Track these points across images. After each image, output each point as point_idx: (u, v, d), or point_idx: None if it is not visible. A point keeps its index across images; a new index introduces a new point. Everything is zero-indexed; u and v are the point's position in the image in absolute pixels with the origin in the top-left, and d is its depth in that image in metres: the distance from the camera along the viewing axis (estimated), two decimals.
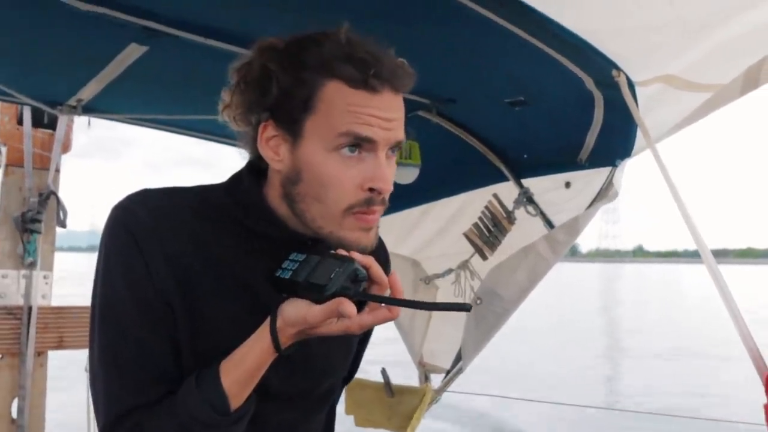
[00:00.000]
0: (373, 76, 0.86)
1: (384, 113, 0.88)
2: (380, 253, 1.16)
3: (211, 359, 0.92)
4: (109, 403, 0.91)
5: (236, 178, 1.00)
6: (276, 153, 0.92)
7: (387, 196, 0.91)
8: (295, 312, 0.87)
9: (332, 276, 0.86)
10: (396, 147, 0.92)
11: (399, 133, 0.91)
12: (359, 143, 0.88)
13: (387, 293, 0.89)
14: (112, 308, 0.91)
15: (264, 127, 0.92)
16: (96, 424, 0.95)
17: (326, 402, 1.13)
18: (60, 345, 2.82)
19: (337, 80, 0.87)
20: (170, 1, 1.59)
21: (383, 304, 0.88)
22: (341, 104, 0.87)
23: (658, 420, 6.83)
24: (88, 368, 0.97)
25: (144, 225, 0.91)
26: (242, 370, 0.90)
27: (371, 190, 0.89)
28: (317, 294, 0.86)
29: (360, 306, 0.88)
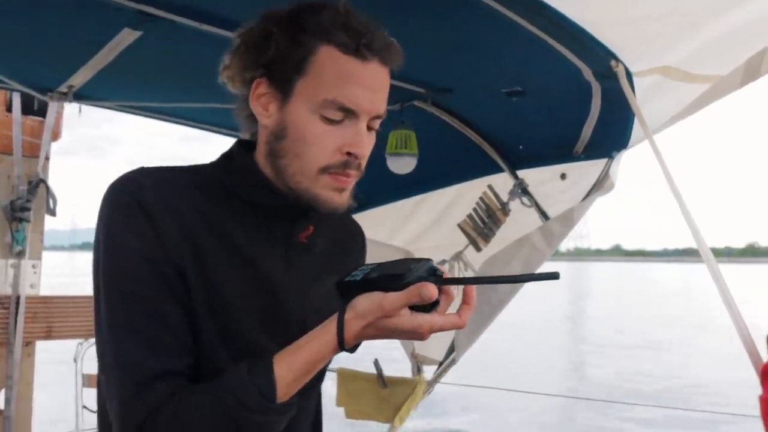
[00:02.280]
0: (364, 46, 0.92)
1: (370, 83, 0.93)
2: (357, 238, 1.21)
3: (226, 329, 0.93)
4: (126, 373, 0.87)
5: (226, 154, 1.03)
6: (265, 109, 0.96)
7: (363, 163, 0.97)
8: (369, 301, 0.88)
9: (411, 267, 0.87)
10: (376, 119, 0.97)
11: (381, 107, 0.96)
12: (342, 111, 0.93)
13: (452, 303, 0.91)
14: (125, 276, 0.89)
15: (257, 84, 0.96)
16: (108, 407, 0.90)
17: (322, 378, 1.14)
18: (48, 335, 2.80)
19: (330, 45, 0.92)
20: None
21: (453, 313, 0.89)
22: (332, 69, 0.92)
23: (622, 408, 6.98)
24: (97, 354, 0.93)
25: (151, 194, 0.91)
26: (298, 359, 0.90)
27: (348, 154, 0.94)
28: (396, 282, 0.86)
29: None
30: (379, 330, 0.88)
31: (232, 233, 0.96)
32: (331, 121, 0.93)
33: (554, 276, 0.85)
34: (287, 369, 0.89)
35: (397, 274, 0.87)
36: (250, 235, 0.98)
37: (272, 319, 0.98)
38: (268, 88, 0.95)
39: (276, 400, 0.88)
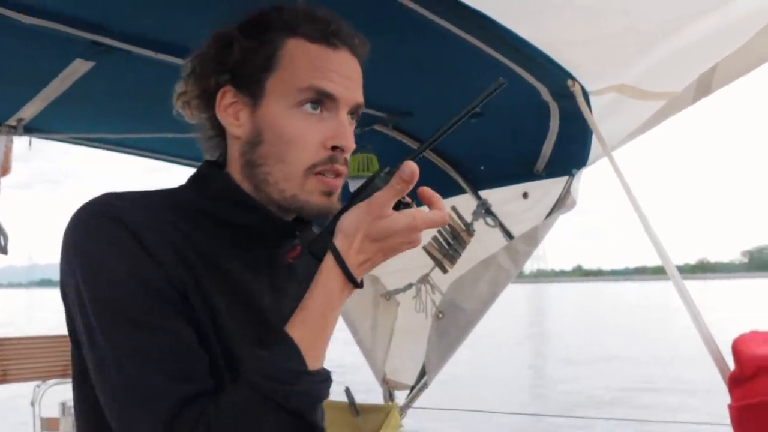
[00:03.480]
0: (332, 34, 0.89)
1: (344, 70, 0.89)
2: None
3: (230, 356, 0.84)
4: (148, 408, 0.77)
5: (196, 176, 0.96)
6: (236, 118, 0.90)
7: (348, 157, 0.91)
8: (354, 213, 0.83)
9: (372, 175, 0.86)
10: (355, 112, 0.92)
11: (358, 95, 0.91)
12: (321, 99, 0.88)
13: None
14: (121, 302, 0.79)
15: (223, 94, 0.90)
16: None
17: None
18: (4, 378, 2.68)
19: (298, 37, 0.89)
20: (120, 15, 1.54)
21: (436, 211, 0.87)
22: (303, 59, 0.88)
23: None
24: (74, 398, 0.85)
25: (135, 216, 0.83)
26: (312, 316, 0.83)
27: (334, 148, 0.88)
28: (369, 188, 0.84)
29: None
30: (377, 240, 0.83)
31: (218, 257, 0.88)
32: (311, 113, 0.87)
33: (501, 83, 0.88)
34: (302, 331, 0.82)
35: (368, 183, 0.85)
36: (236, 259, 0.90)
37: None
38: (236, 96, 0.90)
39: (306, 364, 0.81)
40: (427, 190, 0.86)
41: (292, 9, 0.90)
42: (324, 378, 0.84)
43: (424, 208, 0.88)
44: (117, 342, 0.79)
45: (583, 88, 1.82)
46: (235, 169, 0.92)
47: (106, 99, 2.10)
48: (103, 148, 2.57)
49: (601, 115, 1.91)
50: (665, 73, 1.71)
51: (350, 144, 0.89)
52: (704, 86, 1.72)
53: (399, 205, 0.85)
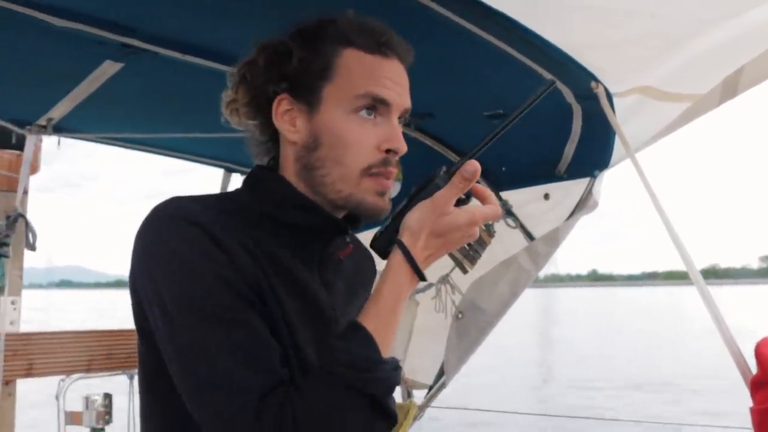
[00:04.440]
0: (384, 44, 0.95)
1: (396, 77, 0.96)
2: (372, 263, 1.19)
3: (298, 349, 0.89)
4: (232, 394, 0.81)
5: (250, 181, 1.00)
6: (292, 125, 0.96)
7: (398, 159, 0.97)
8: (419, 211, 0.90)
9: (432, 174, 0.92)
10: (404, 116, 0.98)
11: (408, 101, 0.98)
12: (375, 105, 0.94)
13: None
14: (205, 300, 0.84)
15: (280, 101, 0.96)
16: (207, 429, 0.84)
17: None
18: (29, 373, 2.73)
19: (353, 48, 0.95)
20: (149, 17, 1.57)
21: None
22: (358, 68, 0.94)
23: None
24: (144, 397, 0.91)
25: (208, 217, 0.88)
26: (382, 310, 0.88)
27: (387, 151, 0.94)
28: (431, 187, 0.90)
29: None
30: (441, 236, 0.89)
31: (281, 257, 0.93)
32: (366, 119, 0.93)
33: (551, 83, 0.97)
34: (375, 319, 0.88)
35: (428, 182, 0.91)
36: (295, 257, 0.95)
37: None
38: (291, 104, 0.95)
39: (380, 353, 0.86)
40: (480, 187, 0.94)
41: (346, 20, 0.96)
42: (396, 365, 0.89)
43: (475, 202, 0.95)
44: (201, 337, 0.83)
45: (606, 90, 1.81)
46: (289, 172, 0.98)
47: (134, 100, 2.14)
48: (131, 148, 2.61)
49: (625, 117, 1.90)
50: (690, 75, 1.70)
51: (403, 147, 0.95)
52: (730, 88, 1.71)
53: (458, 202, 0.91)
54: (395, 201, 2.59)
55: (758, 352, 1.41)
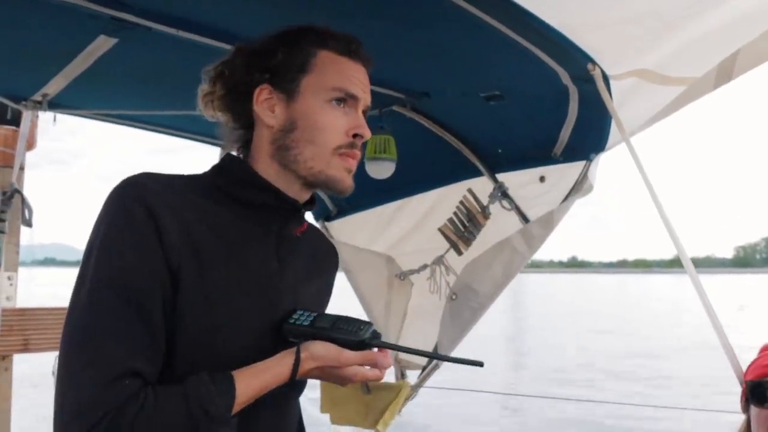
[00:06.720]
0: (353, 51, 1.13)
1: (362, 78, 1.14)
2: (332, 258, 1.31)
3: (217, 326, 1.00)
4: (97, 369, 0.90)
5: (219, 166, 1.13)
6: (271, 111, 1.11)
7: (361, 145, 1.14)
8: (325, 351, 1.04)
9: (361, 327, 1.06)
10: (366, 111, 1.15)
11: (369, 98, 1.15)
12: (345, 98, 1.10)
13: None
14: (118, 275, 0.94)
15: (260, 91, 1.10)
16: (61, 404, 0.91)
17: (303, 387, 1.19)
18: (25, 348, 2.74)
19: (328, 50, 1.12)
20: None
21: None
22: (332, 67, 1.11)
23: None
24: (60, 353, 0.94)
25: (156, 195, 0.99)
26: (256, 382, 1.00)
27: (354, 136, 1.10)
28: (352, 344, 1.04)
29: None
30: (323, 373, 1.05)
31: (228, 228, 1.05)
32: (337, 107, 1.09)
33: (479, 364, 1.04)
34: (245, 387, 0.99)
35: (354, 341, 1.04)
36: (246, 230, 1.08)
37: (266, 317, 1.06)
38: (272, 93, 1.10)
39: (231, 410, 0.97)
40: (380, 355, 1.07)
41: (322, 28, 1.13)
42: (234, 424, 0.99)
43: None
44: (97, 310, 0.93)
45: (603, 73, 1.81)
46: (263, 153, 1.12)
47: (129, 76, 2.13)
48: (127, 125, 2.60)
49: (621, 100, 1.90)
50: (687, 58, 1.70)
51: (367, 133, 1.12)
52: (726, 72, 1.70)
53: (375, 335, 1.06)
54: (387, 182, 2.57)
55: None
